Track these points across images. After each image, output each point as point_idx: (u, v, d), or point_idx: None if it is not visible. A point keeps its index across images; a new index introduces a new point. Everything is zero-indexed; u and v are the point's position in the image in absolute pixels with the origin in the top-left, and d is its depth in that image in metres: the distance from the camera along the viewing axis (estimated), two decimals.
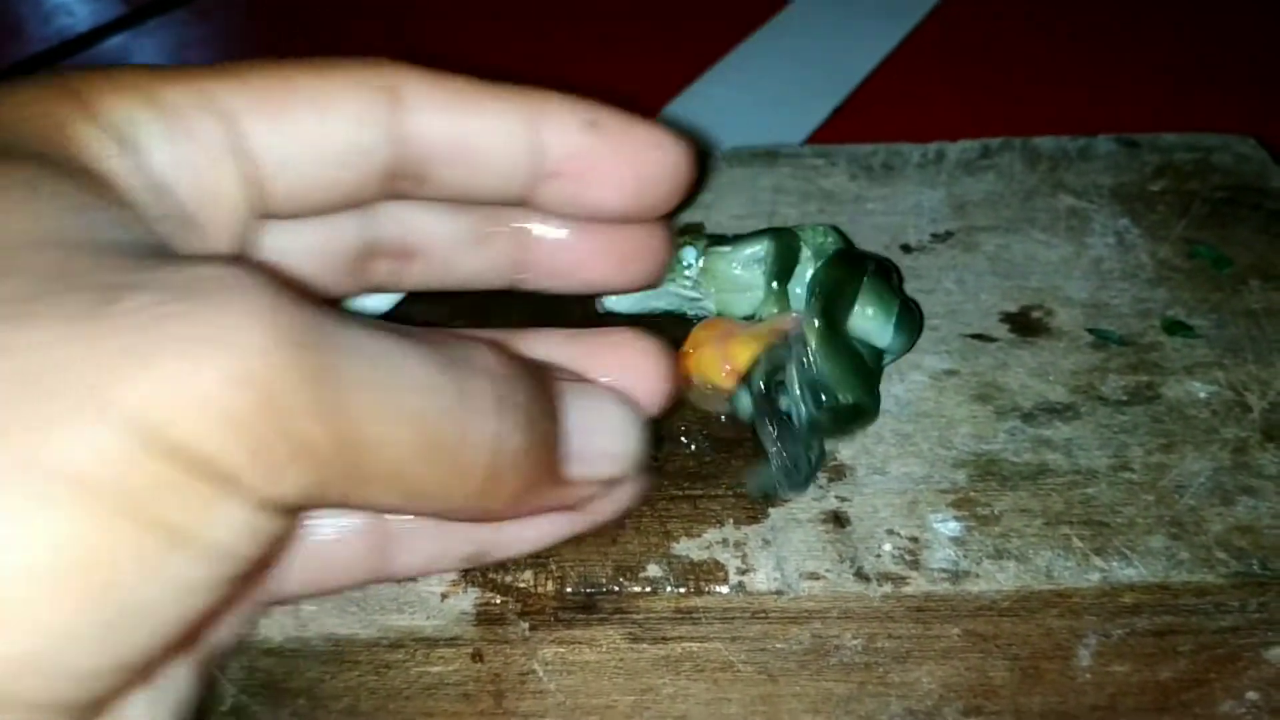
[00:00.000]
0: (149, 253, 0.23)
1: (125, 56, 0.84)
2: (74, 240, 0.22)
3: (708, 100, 0.69)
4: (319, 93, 0.27)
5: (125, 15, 0.87)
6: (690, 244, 0.39)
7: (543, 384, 0.28)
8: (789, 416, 0.36)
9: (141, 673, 0.23)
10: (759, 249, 0.38)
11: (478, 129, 0.29)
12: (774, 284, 0.38)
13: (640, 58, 0.74)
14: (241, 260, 0.23)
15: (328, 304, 0.23)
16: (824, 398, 0.36)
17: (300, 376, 0.21)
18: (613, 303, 0.40)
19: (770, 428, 0.35)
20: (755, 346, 0.36)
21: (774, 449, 0.35)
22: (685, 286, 0.39)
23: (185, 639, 0.23)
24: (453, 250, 0.34)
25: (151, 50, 0.84)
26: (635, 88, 0.70)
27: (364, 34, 0.83)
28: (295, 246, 0.31)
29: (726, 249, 0.39)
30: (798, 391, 0.36)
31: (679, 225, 0.45)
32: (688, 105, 0.68)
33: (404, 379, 0.23)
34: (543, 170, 0.30)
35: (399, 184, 0.30)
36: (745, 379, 0.36)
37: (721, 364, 0.36)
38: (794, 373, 0.36)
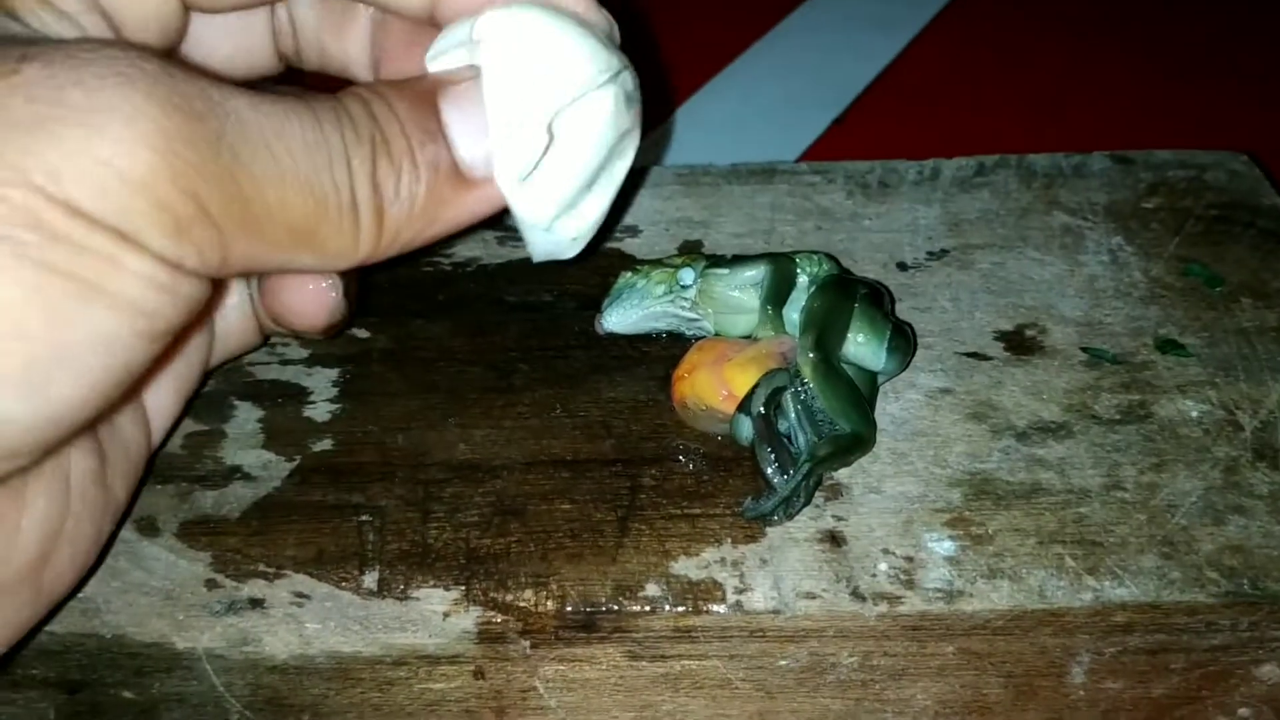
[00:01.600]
0: (40, 40, 0.25)
1: None
2: None
3: (704, 115, 0.69)
4: None
5: None
6: (689, 265, 0.39)
7: (419, 108, 0.28)
8: (789, 440, 0.36)
9: (84, 423, 0.25)
10: (757, 273, 0.39)
11: None
12: (768, 308, 0.38)
13: (640, 72, 0.74)
14: (124, 41, 0.25)
15: (212, 78, 0.24)
16: (823, 428, 0.36)
17: (194, 141, 0.23)
18: (612, 323, 0.40)
19: (770, 453, 0.35)
20: (751, 370, 0.37)
21: (776, 478, 0.35)
22: (684, 307, 0.39)
23: (126, 393, 0.25)
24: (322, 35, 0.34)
25: None
26: None
27: None
28: (213, 38, 0.32)
29: (724, 271, 0.39)
30: (795, 419, 0.36)
31: (678, 245, 0.46)
32: (685, 119, 0.69)
33: (290, 141, 0.25)
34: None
35: None
36: (744, 405, 0.36)
37: (718, 388, 0.37)
38: (790, 403, 0.36)
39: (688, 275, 0.39)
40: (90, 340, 0.23)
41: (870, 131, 0.68)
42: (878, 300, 0.39)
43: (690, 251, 0.44)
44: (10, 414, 0.23)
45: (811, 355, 0.36)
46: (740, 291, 0.39)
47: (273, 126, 0.25)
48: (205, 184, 0.23)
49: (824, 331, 0.37)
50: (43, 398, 0.23)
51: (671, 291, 0.39)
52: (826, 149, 0.66)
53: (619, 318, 0.40)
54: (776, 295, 0.39)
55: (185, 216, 0.23)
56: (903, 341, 0.38)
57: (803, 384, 0.36)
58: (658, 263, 0.41)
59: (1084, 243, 0.46)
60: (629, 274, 0.41)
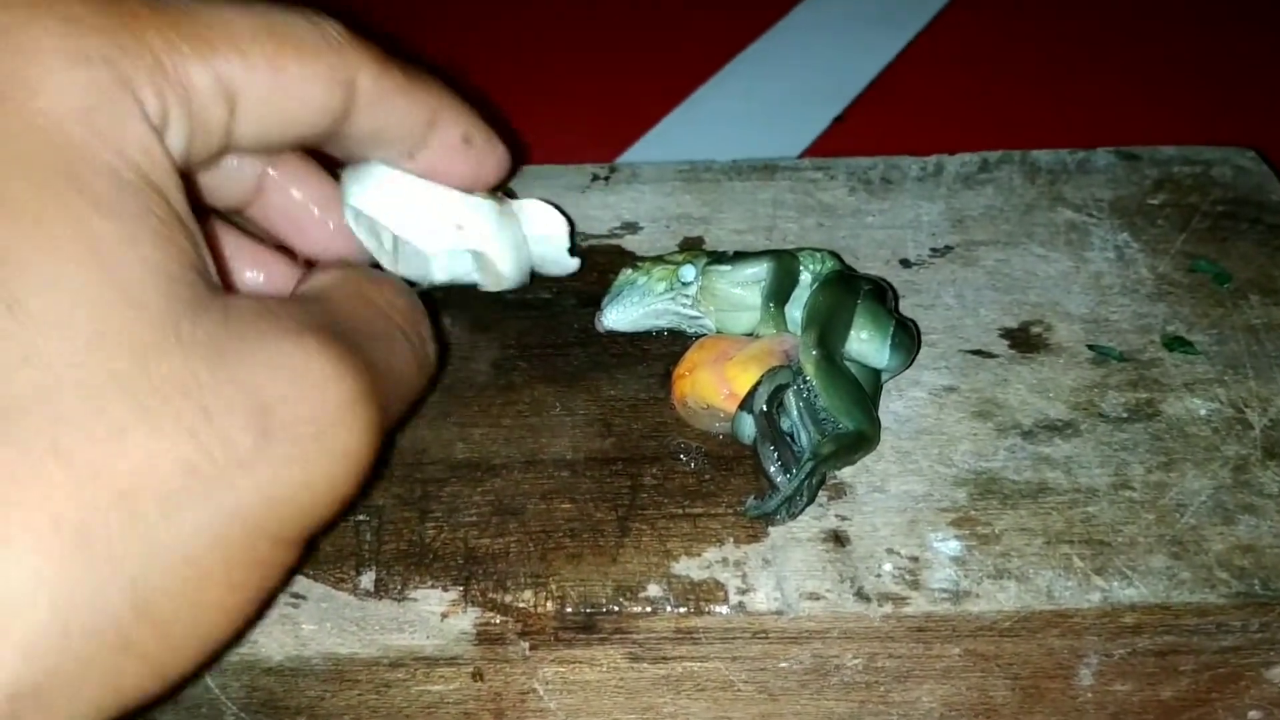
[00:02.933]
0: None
1: None
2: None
3: (707, 111, 0.69)
4: (301, 74, 0.30)
5: None
6: (690, 262, 0.39)
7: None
8: (791, 438, 0.35)
9: None
10: (759, 270, 0.38)
11: (396, 120, 0.33)
12: (770, 305, 0.38)
13: (640, 69, 0.73)
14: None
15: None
16: (826, 426, 0.36)
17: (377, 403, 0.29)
18: (612, 321, 0.40)
19: (773, 452, 0.35)
20: (752, 368, 0.36)
21: (779, 477, 0.35)
22: (685, 305, 0.39)
23: None
24: None
25: None
26: (635, 99, 0.70)
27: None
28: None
29: (726, 268, 0.38)
30: (798, 417, 0.36)
31: (679, 242, 0.45)
32: (687, 116, 0.68)
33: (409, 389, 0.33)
34: (413, 154, 0.35)
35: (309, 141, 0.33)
36: (746, 403, 0.36)
37: (719, 387, 0.36)
38: (793, 401, 0.36)
39: (689, 272, 0.39)
40: None
41: (872, 128, 0.68)
42: (881, 297, 0.38)
43: (691, 248, 0.43)
44: None
45: (814, 352, 0.36)
46: (742, 288, 0.38)
47: (390, 364, 0.31)
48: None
49: (826, 328, 0.36)
50: None
51: (673, 289, 0.39)
52: (828, 146, 0.66)
53: (619, 315, 0.40)
54: (779, 292, 0.38)
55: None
56: (906, 338, 0.38)
57: (805, 381, 0.36)
58: (658, 259, 0.40)
59: (1089, 239, 0.45)
60: (629, 271, 0.40)
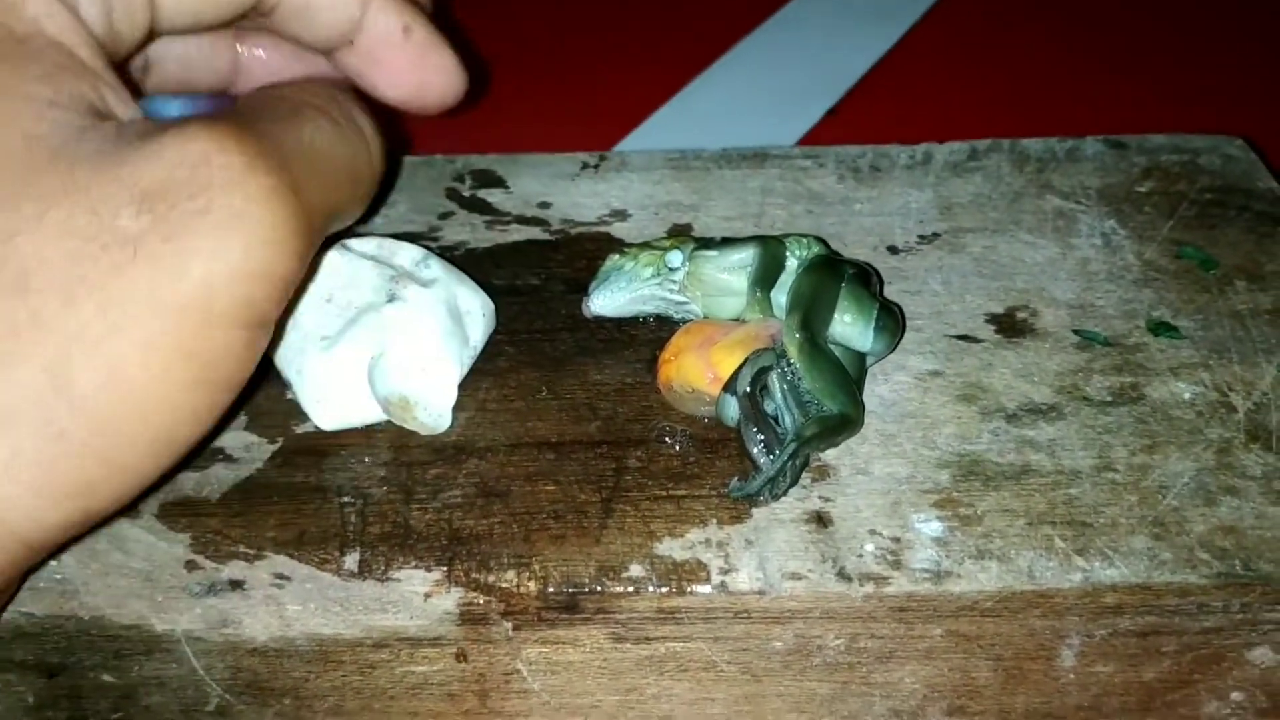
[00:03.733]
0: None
1: None
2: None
3: (699, 104, 0.69)
4: None
5: None
6: (677, 248, 0.39)
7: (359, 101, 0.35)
8: (775, 420, 0.36)
9: None
10: (745, 255, 0.38)
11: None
12: (757, 290, 0.38)
13: (635, 60, 0.74)
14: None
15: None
16: (810, 408, 0.36)
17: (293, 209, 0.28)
18: (599, 306, 0.40)
19: (756, 433, 0.35)
20: (738, 353, 0.36)
21: (762, 458, 0.35)
22: (672, 290, 0.39)
23: None
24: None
25: None
26: (628, 92, 0.70)
27: None
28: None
29: (713, 253, 0.39)
30: (781, 399, 0.36)
31: (668, 229, 0.46)
32: (682, 107, 0.68)
33: (326, 149, 0.31)
34: (351, 42, 0.35)
35: (248, 18, 0.34)
36: (729, 385, 0.36)
37: (705, 371, 0.37)
38: (777, 384, 0.36)
39: (676, 258, 0.39)
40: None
41: (865, 121, 0.68)
42: (865, 280, 0.38)
43: (679, 235, 0.43)
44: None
45: (797, 335, 0.36)
46: (729, 274, 0.39)
47: (314, 141, 0.30)
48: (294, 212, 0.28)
49: (810, 311, 0.37)
50: None
51: (659, 274, 0.39)
52: (820, 138, 0.66)
53: (606, 300, 0.40)
54: (765, 277, 0.38)
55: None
56: (891, 321, 0.38)
57: (789, 364, 0.36)
58: (646, 245, 0.40)
59: (1077, 226, 0.45)
60: (616, 256, 0.40)
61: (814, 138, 0.66)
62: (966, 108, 0.69)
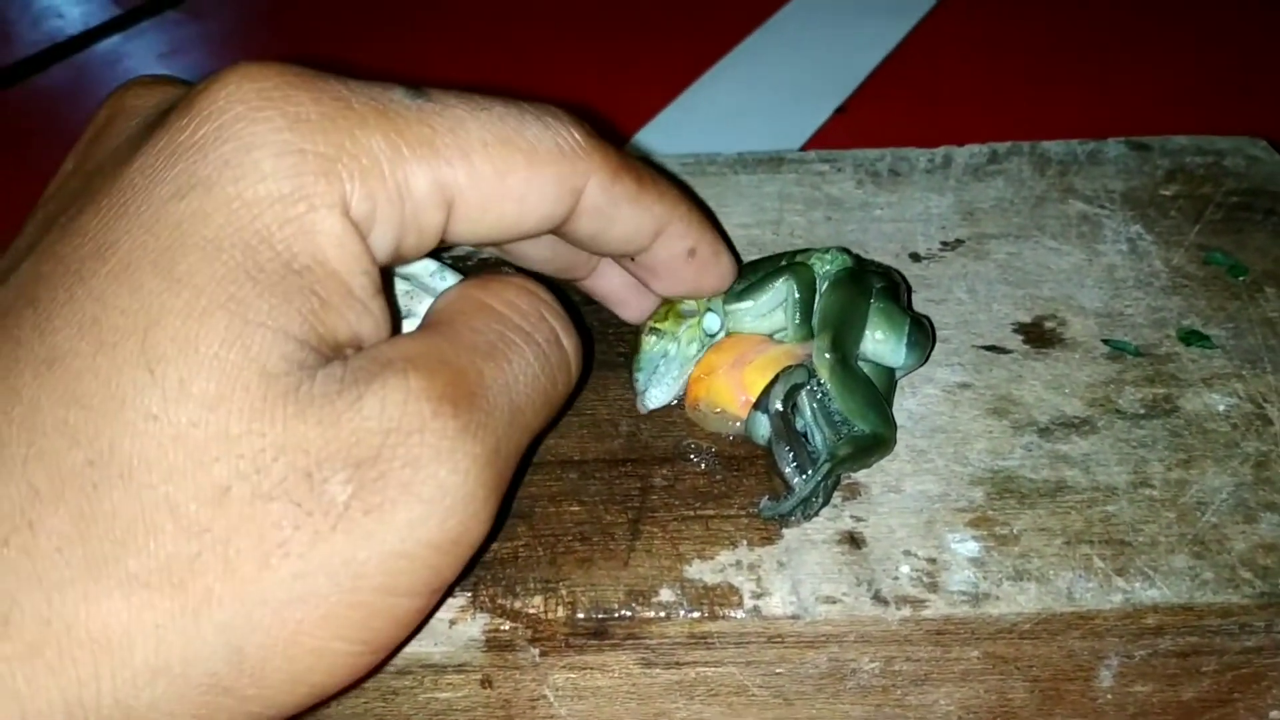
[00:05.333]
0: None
1: (118, 59, 0.83)
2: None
3: (707, 102, 0.68)
4: (526, 184, 0.30)
5: (117, 17, 0.86)
6: (710, 309, 0.38)
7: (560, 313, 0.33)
8: (806, 438, 0.35)
9: None
10: (778, 294, 0.37)
11: (620, 227, 0.33)
12: (797, 321, 0.37)
13: (641, 59, 0.73)
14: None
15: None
16: (841, 427, 0.35)
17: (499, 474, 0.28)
18: (656, 402, 0.38)
19: (789, 452, 0.34)
20: (770, 373, 0.36)
21: (794, 478, 0.34)
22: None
23: None
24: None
25: (144, 52, 0.83)
26: (634, 90, 0.69)
27: (354, 38, 0.82)
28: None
29: (747, 303, 0.38)
30: (811, 418, 0.35)
31: None
32: (687, 106, 0.68)
33: (524, 388, 0.30)
34: (635, 257, 0.35)
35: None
36: (760, 402, 0.35)
37: (737, 392, 0.36)
38: (807, 402, 0.35)
39: (714, 322, 0.38)
40: None
41: (874, 119, 0.67)
42: (894, 294, 0.37)
43: None
44: None
45: (828, 357, 0.35)
46: (767, 318, 0.38)
47: (516, 384, 0.29)
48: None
49: (840, 331, 0.36)
50: None
51: (703, 345, 0.38)
52: (829, 137, 0.65)
53: (664, 393, 0.38)
54: (805, 310, 0.37)
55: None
56: (922, 336, 0.37)
57: (819, 384, 0.35)
58: (670, 312, 0.38)
59: (1102, 231, 0.45)
60: (653, 338, 0.38)
61: (823, 136, 0.65)
62: (976, 104, 0.68)
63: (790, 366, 0.35)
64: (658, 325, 0.38)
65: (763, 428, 0.35)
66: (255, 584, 0.25)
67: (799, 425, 0.35)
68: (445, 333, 0.29)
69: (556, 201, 0.31)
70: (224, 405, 0.25)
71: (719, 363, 0.37)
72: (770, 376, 0.35)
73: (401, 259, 0.30)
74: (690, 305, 0.38)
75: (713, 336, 0.38)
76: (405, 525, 0.26)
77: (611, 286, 0.39)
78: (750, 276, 0.38)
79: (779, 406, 0.35)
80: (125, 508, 0.24)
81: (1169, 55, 0.72)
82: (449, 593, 0.33)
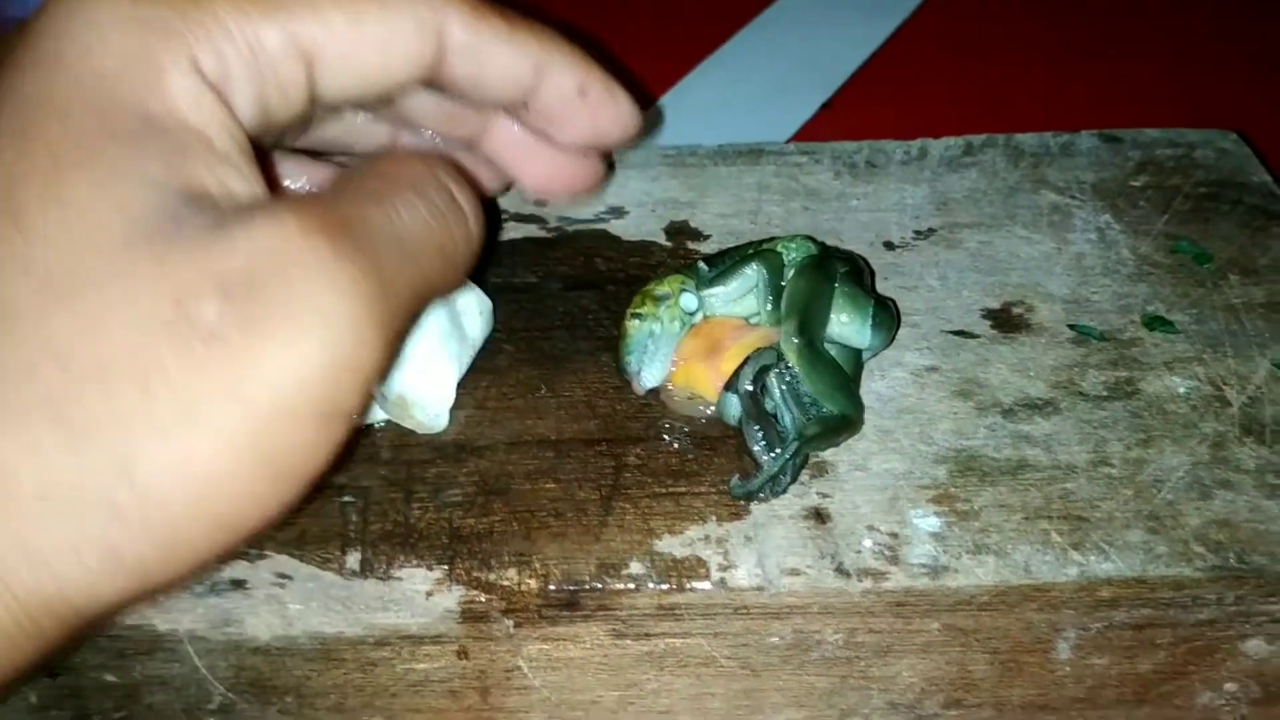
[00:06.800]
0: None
1: None
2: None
3: (694, 99, 0.69)
4: (382, 28, 0.30)
5: None
6: (685, 289, 0.39)
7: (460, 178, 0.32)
8: (775, 418, 0.36)
9: None
10: (749, 279, 0.38)
11: (497, 69, 0.33)
12: (769, 306, 0.38)
13: (628, 56, 0.73)
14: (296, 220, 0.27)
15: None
16: (809, 407, 0.36)
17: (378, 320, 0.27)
18: (652, 380, 0.38)
19: (758, 431, 0.35)
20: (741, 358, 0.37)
21: (763, 456, 0.35)
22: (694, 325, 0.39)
23: None
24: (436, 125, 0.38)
25: None
26: (625, 85, 0.70)
27: None
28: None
29: (719, 289, 0.38)
30: (780, 399, 0.36)
31: (664, 226, 0.46)
32: (674, 102, 0.68)
33: (418, 235, 0.29)
34: (527, 103, 0.35)
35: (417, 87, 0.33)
36: (731, 383, 0.36)
37: (714, 380, 0.37)
38: (775, 384, 0.36)
39: (690, 301, 0.38)
40: None
41: (860, 115, 0.68)
42: (858, 277, 0.38)
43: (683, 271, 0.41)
44: None
45: (795, 341, 0.36)
46: (739, 301, 0.39)
47: (405, 229, 0.29)
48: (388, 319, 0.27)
49: (806, 316, 0.37)
50: None
51: (684, 323, 0.39)
52: (815, 133, 0.66)
53: (656, 371, 0.38)
54: (775, 293, 0.38)
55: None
56: (886, 317, 0.38)
57: (788, 366, 0.36)
58: (647, 296, 0.39)
59: (1072, 221, 0.45)
60: (635, 322, 0.38)
61: (809, 132, 0.66)
62: (961, 102, 0.69)
63: (760, 348, 0.36)
64: (638, 310, 0.38)
65: (733, 408, 0.36)
66: (139, 412, 0.25)
67: (769, 406, 0.36)
68: (330, 189, 0.30)
69: (419, 43, 0.31)
70: (91, 249, 0.25)
71: (697, 350, 0.38)
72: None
73: (273, 124, 0.30)
74: (664, 289, 0.39)
75: (692, 314, 0.39)
76: (286, 346, 0.25)
77: (507, 143, 0.38)
78: (721, 264, 0.39)
79: (748, 387, 0.36)
80: (3, 351, 0.25)
81: (1150, 52, 0.73)
82: (362, 433, 0.36)
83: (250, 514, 0.27)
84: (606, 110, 0.36)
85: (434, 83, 0.33)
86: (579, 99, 0.35)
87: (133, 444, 0.25)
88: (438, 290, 0.30)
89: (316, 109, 0.31)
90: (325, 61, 0.30)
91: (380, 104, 0.34)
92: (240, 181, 0.28)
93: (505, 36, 0.32)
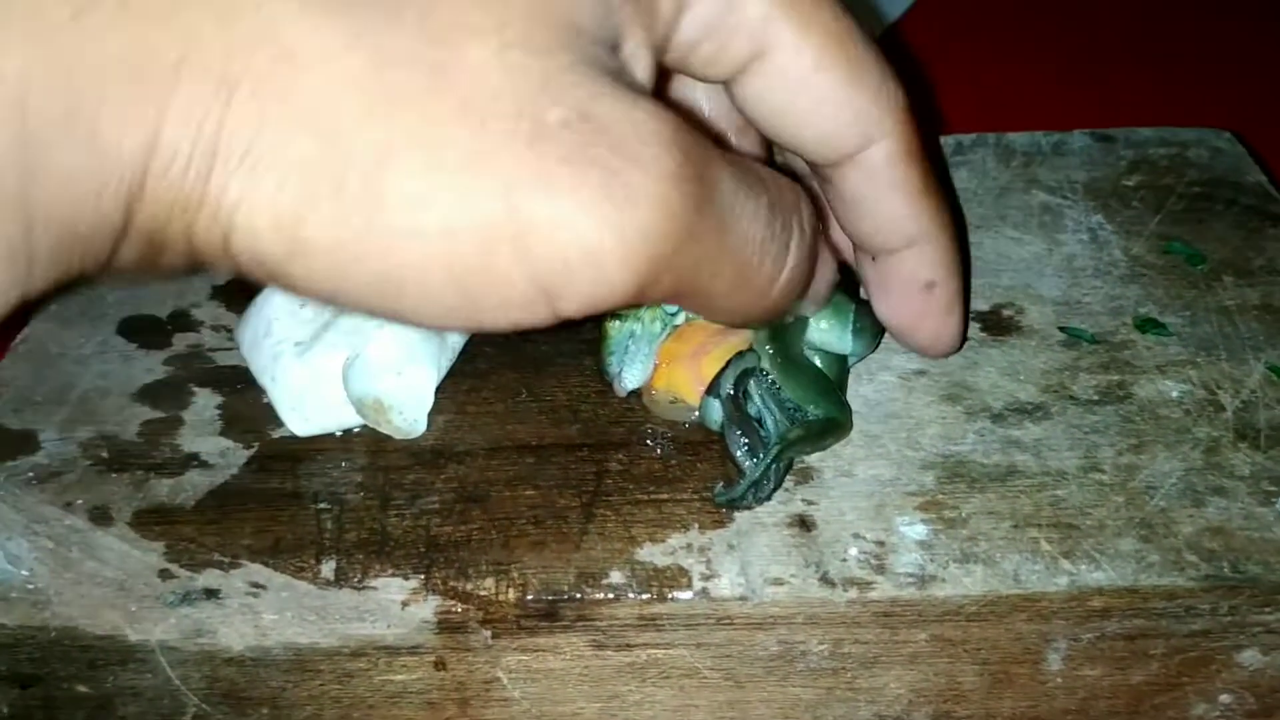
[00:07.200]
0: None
1: None
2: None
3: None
4: (828, 96, 0.30)
5: None
6: None
7: (817, 235, 0.30)
8: (759, 423, 0.35)
9: None
10: None
11: (878, 209, 0.33)
12: None
13: None
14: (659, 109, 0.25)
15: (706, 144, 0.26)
16: (793, 413, 0.35)
17: (686, 208, 0.24)
18: (634, 382, 0.37)
19: (740, 436, 0.34)
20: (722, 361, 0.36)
21: (745, 461, 0.34)
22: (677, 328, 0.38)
23: None
24: None
25: None
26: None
27: None
28: None
29: None
30: (761, 403, 0.35)
31: None
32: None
33: (750, 224, 0.27)
34: (876, 259, 0.35)
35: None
36: (713, 388, 0.35)
37: (696, 383, 0.36)
38: (755, 388, 0.35)
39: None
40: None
41: None
42: (840, 282, 0.38)
43: None
44: None
45: (769, 349, 0.35)
46: None
47: (736, 218, 0.26)
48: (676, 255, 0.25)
49: (779, 322, 0.36)
50: None
51: (666, 324, 0.38)
52: None
53: (639, 372, 0.37)
54: None
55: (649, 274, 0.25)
56: (869, 322, 0.37)
57: (765, 373, 0.36)
58: None
59: (1063, 221, 0.45)
60: (616, 322, 0.38)
61: None
62: (950, 102, 0.68)
63: (743, 352, 0.36)
64: (618, 311, 0.38)
65: (715, 413, 0.35)
66: (417, 144, 0.23)
67: (752, 410, 0.35)
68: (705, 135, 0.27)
69: (843, 132, 0.30)
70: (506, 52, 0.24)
71: (679, 352, 0.37)
72: (725, 358, 0.36)
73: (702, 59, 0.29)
74: None
75: (673, 314, 0.38)
76: (576, 201, 0.23)
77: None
78: None
79: (730, 391, 0.35)
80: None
81: (1144, 51, 0.72)
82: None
83: (403, 309, 0.25)
84: (934, 318, 0.35)
85: (815, 171, 0.32)
86: (923, 290, 0.34)
87: (388, 164, 0.23)
88: (704, 298, 0.27)
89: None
90: (769, 79, 0.29)
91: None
92: (641, 71, 0.27)
93: (909, 191, 0.32)
